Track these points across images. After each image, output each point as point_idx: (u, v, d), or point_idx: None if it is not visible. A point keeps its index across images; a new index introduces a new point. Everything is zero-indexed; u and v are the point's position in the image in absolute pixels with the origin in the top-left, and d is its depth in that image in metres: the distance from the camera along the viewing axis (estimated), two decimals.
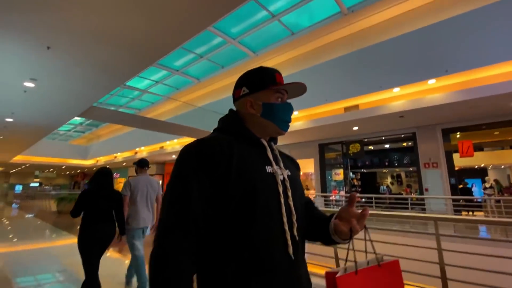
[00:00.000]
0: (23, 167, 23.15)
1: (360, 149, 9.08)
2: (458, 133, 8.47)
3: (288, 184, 0.78)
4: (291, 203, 0.75)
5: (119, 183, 23.85)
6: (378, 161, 11.10)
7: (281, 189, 0.74)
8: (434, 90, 6.09)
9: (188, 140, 12.53)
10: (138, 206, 2.98)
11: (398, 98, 6.57)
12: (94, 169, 25.77)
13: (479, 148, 9.22)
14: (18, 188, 27.91)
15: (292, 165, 0.90)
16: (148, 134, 12.49)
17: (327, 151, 10.28)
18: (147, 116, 15.50)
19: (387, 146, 10.71)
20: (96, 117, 8.64)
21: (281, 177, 0.77)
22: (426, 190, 7.65)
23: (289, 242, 0.70)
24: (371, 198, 8.41)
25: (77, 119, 16.51)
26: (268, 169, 0.76)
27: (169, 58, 10.29)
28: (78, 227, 2.57)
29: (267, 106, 0.81)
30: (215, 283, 0.65)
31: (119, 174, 23.59)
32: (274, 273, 0.66)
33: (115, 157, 19.11)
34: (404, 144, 9.38)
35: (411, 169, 10.24)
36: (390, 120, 7.16)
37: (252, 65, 10.17)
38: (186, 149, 0.73)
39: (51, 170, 27.19)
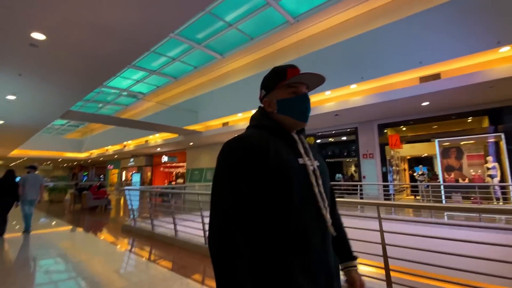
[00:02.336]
0: (21, 160, 24.40)
1: (314, 142, 10.21)
2: (403, 126, 9.56)
3: (318, 173, 0.85)
4: (322, 190, 0.83)
5: (113, 174, 25.16)
6: (338, 151, 12.25)
7: (313, 179, 0.82)
8: (356, 94, 7.15)
9: (167, 135, 13.63)
10: (26, 190, 5.54)
11: (330, 99, 7.64)
12: (89, 161, 27.04)
13: (426, 140, 10.28)
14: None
15: (319, 155, 0.97)
16: (135, 129, 13.47)
17: None
18: (133, 112, 16.60)
19: (344, 138, 11.83)
20: (75, 119, 9.72)
21: (311, 168, 0.84)
22: (364, 177, 8.83)
23: (329, 224, 0.80)
24: None
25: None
26: (300, 161, 0.83)
27: (146, 60, 11.27)
28: None
29: (281, 102, 0.89)
30: (259, 263, 0.73)
31: (112, 166, 24.82)
32: (311, 253, 0.75)
33: (107, 150, 20.28)
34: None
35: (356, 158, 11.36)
36: (329, 117, 8.25)
37: (220, 66, 11.25)
38: (228, 147, 0.79)
39: (48, 163, 28.44)
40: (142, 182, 19.78)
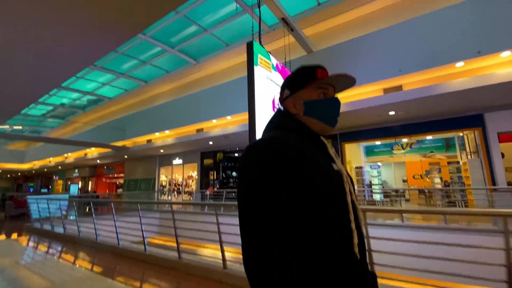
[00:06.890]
0: None
1: (223, 156, 12.40)
2: None
3: (349, 181, 0.79)
4: (354, 199, 0.77)
5: (59, 185, 25.21)
6: None
7: (347, 187, 0.75)
8: (232, 123, 9.45)
9: (101, 149, 14.93)
10: None
11: (215, 126, 9.90)
12: (33, 172, 26.66)
13: None
14: None
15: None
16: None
17: (207, 157, 13.45)
18: (74, 126, 17.57)
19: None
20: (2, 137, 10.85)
21: (344, 174, 0.77)
22: None
23: (355, 241, 0.71)
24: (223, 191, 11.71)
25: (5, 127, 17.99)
26: (334, 166, 0.77)
27: (81, 83, 12.70)
28: None
29: (309, 104, 0.81)
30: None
31: (57, 177, 24.90)
32: (344, 268, 0.67)
33: (49, 161, 20.68)
34: None
35: None
36: (220, 139, 10.44)
37: (146, 91, 13.13)
38: (261, 149, 0.70)
39: None
40: (85, 192, 20.48)
